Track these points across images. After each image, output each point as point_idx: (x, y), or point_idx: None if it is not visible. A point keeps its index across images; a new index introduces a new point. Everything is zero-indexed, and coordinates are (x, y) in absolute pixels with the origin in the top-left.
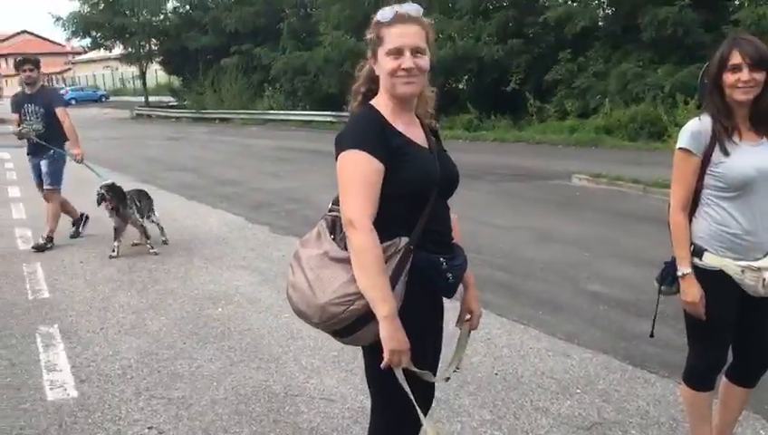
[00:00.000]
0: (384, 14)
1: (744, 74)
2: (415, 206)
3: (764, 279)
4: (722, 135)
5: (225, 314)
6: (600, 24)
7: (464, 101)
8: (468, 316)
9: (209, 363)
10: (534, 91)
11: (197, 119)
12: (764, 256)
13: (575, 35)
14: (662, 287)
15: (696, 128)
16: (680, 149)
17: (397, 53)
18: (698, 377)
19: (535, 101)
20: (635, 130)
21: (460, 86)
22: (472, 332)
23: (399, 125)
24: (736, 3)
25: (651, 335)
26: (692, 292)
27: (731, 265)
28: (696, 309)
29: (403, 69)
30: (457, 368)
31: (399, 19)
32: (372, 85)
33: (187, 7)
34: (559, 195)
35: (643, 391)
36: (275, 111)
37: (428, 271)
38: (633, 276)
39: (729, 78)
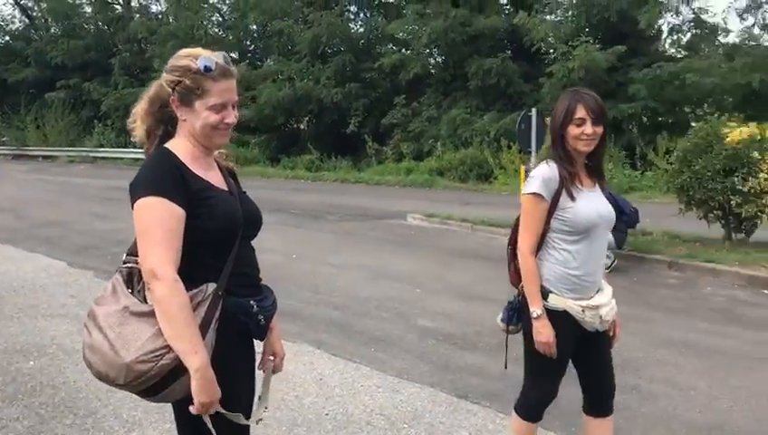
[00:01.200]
0: (206, 64)
1: (588, 128)
2: (220, 250)
3: (601, 316)
4: (568, 181)
5: (38, 367)
6: (431, 71)
7: (305, 142)
8: (272, 358)
9: (16, 423)
10: (373, 133)
11: (18, 156)
12: (596, 294)
13: (409, 81)
14: (510, 327)
15: (547, 174)
16: (532, 194)
17: (222, 108)
18: (531, 409)
19: (373, 144)
20: (464, 172)
21: (301, 127)
22: (282, 372)
23: (199, 169)
24: (551, 57)
25: (505, 367)
26: (547, 332)
27: (573, 306)
28: (549, 349)
29: (226, 123)
30: (266, 408)
31: (224, 73)
32: (170, 128)
33: (7, 38)
34: (395, 234)
35: (466, 421)
36: (105, 149)
37: (239, 315)
38: (460, 310)
39: (574, 130)
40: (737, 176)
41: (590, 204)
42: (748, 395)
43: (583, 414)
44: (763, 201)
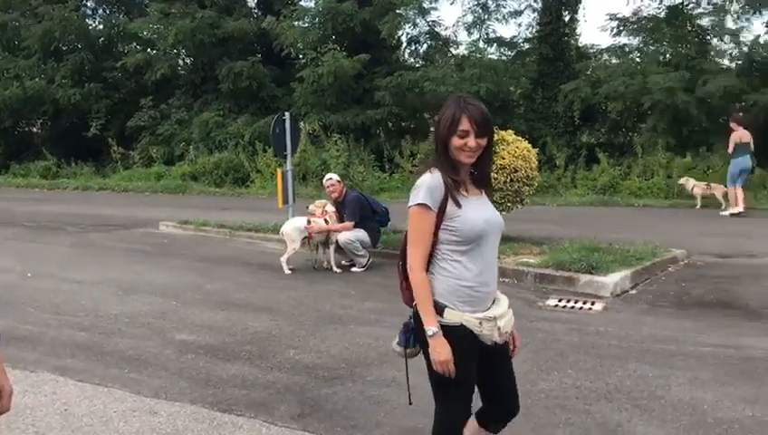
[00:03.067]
0: None
1: (471, 141)
2: None
3: (499, 327)
4: (453, 189)
5: None
6: (180, 72)
7: (39, 147)
8: None
9: None
10: (118, 137)
11: None
12: (492, 305)
13: (156, 82)
14: (407, 351)
15: (431, 183)
16: (418, 205)
17: None
18: (448, 432)
19: (119, 148)
20: (220, 176)
21: (35, 130)
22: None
23: None
24: (301, 62)
25: (410, 403)
26: (444, 350)
27: (470, 319)
28: (448, 367)
29: None
30: None
31: None
32: None
33: None
34: (146, 243)
35: None
36: None
37: None
38: (220, 320)
39: (457, 142)
40: None
41: (478, 211)
42: None
43: (473, 415)
44: (493, 198)
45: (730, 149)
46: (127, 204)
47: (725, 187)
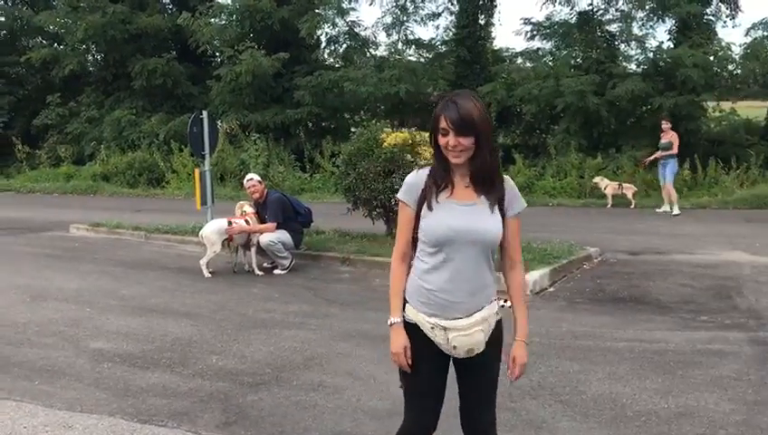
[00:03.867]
0: None
1: (451, 139)
2: None
3: (449, 339)
4: (431, 190)
5: None
6: (90, 69)
7: None
8: None
9: None
10: (23, 135)
11: None
12: (464, 318)
13: (64, 79)
14: None
15: (411, 180)
16: (399, 199)
17: None
18: None
19: (24, 147)
20: (133, 176)
21: None
22: None
23: None
24: (218, 60)
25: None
26: (396, 342)
27: (423, 321)
28: (399, 359)
29: None
30: None
31: None
32: None
33: None
34: (56, 247)
35: None
36: None
37: None
38: (138, 327)
39: (441, 140)
40: (395, 177)
41: (447, 217)
42: None
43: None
44: None
45: (675, 150)
46: (34, 205)
47: (635, 185)
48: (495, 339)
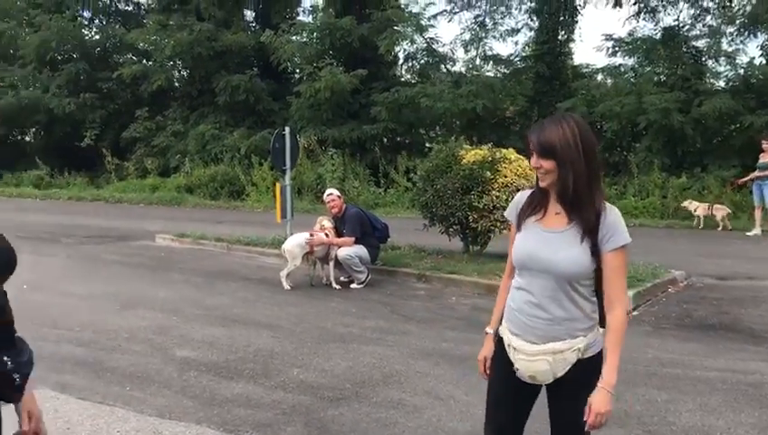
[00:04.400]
0: None
1: (534, 160)
2: None
3: (515, 359)
4: (524, 212)
5: None
6: (176, 84)
7: (32, 156)
8: (28, 420)
9: None
10: (112, 147)
11: None
12: (537, 344)
13: (152, 94)
14: None
15: (515, 198)
16: (505, 215)
17: None
18: None
19: (113, 159)
20: (215, 189)
21: (27, 139)
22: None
23: None
24: (298, 77)
25: None
26: (484, 349)
27: (505, 335)
28: (479, 367)
29: None
30: None
31: None
32: None
33: None
34: (143, 256)
35: None
36: None
37: None
38: (221, 337)
39: (531, 160)
40: (473, 194)
41: (529, 242)
42: None
43: None
44: (495, 216)
45: None
46: (121, 215)
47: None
48: (586, 379)
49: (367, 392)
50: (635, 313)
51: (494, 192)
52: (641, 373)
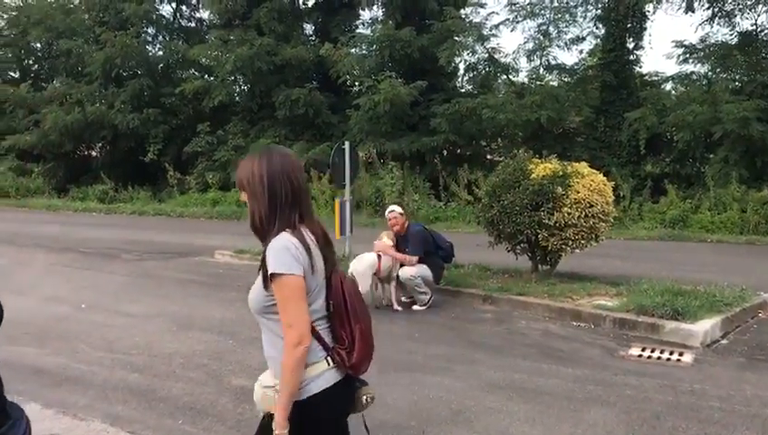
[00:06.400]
0: None
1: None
2: None
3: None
4: None
5: None
6: (237, 99)
7: (97, 171)
8: None
9: None
10: (174, 162)
11: None
12: None
13: (213, 109)
14: None
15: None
16: None
17: None
18: None
19: (175, 173)
20: None
21: (93, 154)
22: None
23: None
24: (357, 89)
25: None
26: None
27: None
28: None
29: None
30: None
31: None
32: None
33: None
34: (201, 274)
35: None
36: None
37: None
38: None
39: None
40: (543, 210)
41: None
42: None
43: None
44: (566, 234)
45: None
46: (182, 230)
47: None
48: None
49: (434, 431)
50: (723, 341)
51: (565, 208)
52: (740, 414)
